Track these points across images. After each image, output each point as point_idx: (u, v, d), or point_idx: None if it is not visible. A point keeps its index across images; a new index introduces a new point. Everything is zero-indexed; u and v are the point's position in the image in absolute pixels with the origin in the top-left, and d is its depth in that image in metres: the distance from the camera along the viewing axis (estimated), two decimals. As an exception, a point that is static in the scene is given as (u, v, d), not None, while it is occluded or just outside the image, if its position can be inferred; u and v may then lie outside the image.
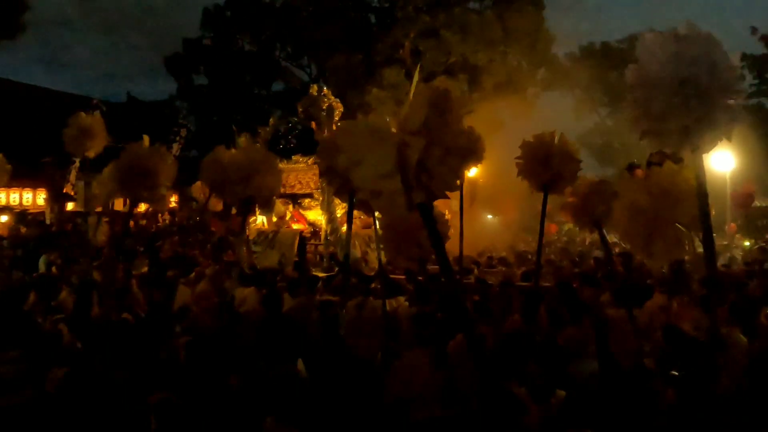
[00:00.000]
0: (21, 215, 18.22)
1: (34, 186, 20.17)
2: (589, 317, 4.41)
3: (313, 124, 12.51)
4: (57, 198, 19.62)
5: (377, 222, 4.48)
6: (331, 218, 11.60)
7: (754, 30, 32.00)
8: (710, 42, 2.15)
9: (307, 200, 12.48)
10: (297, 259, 11.26)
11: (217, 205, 11.74)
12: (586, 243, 16.28)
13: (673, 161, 2.95)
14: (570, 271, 8.01)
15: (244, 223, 4.59)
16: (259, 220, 12.58)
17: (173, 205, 18.55)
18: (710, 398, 2.54)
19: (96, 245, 8.02)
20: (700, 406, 2.67)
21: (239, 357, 3.65)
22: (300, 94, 20.13)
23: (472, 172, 10.77)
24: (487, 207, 21.67)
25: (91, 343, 3.87)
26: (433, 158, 1.59)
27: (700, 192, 2.31)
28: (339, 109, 12.77)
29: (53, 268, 8.50)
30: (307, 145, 12.71)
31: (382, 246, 4.30)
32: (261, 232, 11.93)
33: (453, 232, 4.59)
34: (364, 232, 10.26)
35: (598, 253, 10.65)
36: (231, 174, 4.18)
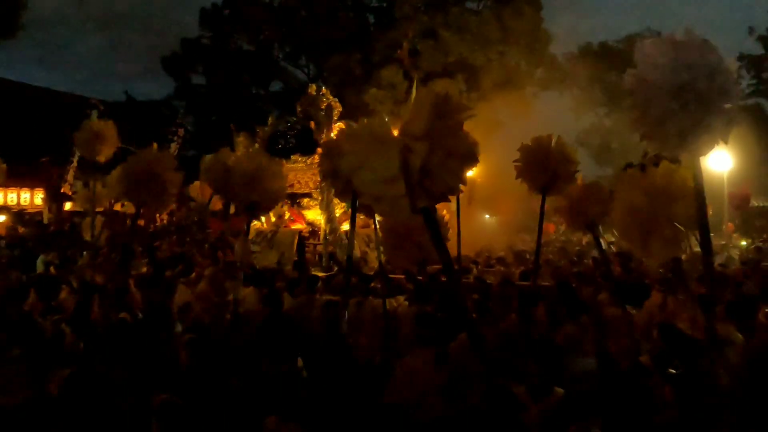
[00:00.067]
0: (19, 215, 18.21)
1: (31, 185, 20.13)
2: (587, 316, 4.43)
3: (312, 124, 12.51)
4: (55, 197, 19.60)
5: (377, 223, 4.51)
6: (330, 218, 11.60)
7: (751, 30, 32.14)
8: (707, 48, 2.21)
9: (306, 200, 12.47)
10: (296, 258, 11.27)
11: (215, 204, 11.75)
12: (584, 243, 16.31)
13: (668, 162, 2.99)
14: (568, 271, 8.04)
15: (248, 226, 4.65)
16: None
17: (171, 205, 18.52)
18: (707, 396, 2.57)
19: (98, 245, 8.01)
20: (697, 404, 2.70)
21: (240, 356, 3.66)
22: (298, 93, 20.11)
23: (470, 172, 10.78)
24: (485, 207, 21.72)
25: (93, 344, 3.89)
26: (436, 162, 1.61)
27: (698, 192, 2.35)
28: (338, 108, 12.77)
29: (51, 268, 8.48)
30: (306, 145, 12.69)
31: (382, 248, 4.34)
32: (260, 232, 11.93)
33: (452, 233, 4.63)
34: (364, 231, 10.26)
35: (596, 252, 10.67)
36: (237, 177, 4.24)
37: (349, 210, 11.14)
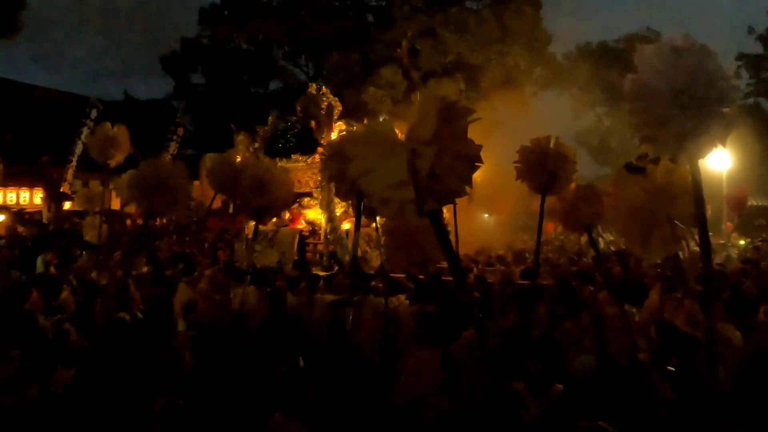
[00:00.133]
0: (18, 214, 18.19)
1: (31, 185, 20.10)
2: (586, 314, 4.45)
3: (313, 123, 12.51)
4: (54, 197, 19.61)
5: (377, 223, 4.55)
6: (330, 217, 11.60)
7: (751, 30, 32.18)
8: (705, 53, 2.26)
9: (306, 199, 12.47)
10: (297, 258, 11.27)
11: (215, 203, 11.74)
12: (582, 242, 16.33)
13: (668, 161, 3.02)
14: (568, 269, 8.06)
15: (256, 229, 4.73)
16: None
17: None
18: (704, 393, 2.59)
19: (98, 245, 8.02)
20: (695, 401, 2.72)
21: (243, 355, 3.68)
22: (297, 93, 20.10)
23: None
24: (483, 206, 21.73)
25: (97, 344, 3.90)
26: (444, 166, 1.64)
27: (696, 194, 2.38)
28: (338, 108, 12.77)
29: (51, 268, 8.48)
30: (306, 144, 12.69)
31: (384, 250, 4.36)
32: (260, 232, 11.93)
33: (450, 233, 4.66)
34: (364, 231, 10.26)
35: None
36: (246, 182, 4.32)
37: (350, 209, 11.14)
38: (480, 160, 1.78)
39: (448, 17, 26.93)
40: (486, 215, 25.58)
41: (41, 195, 20.04)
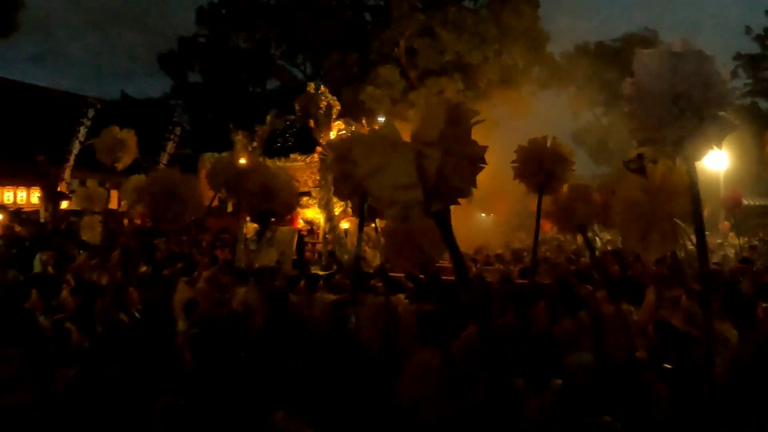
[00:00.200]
0: (15, 214, 18.16)
1: (28, 184, 20.07)
2: (585, 312, 4.47)
3: (311, 123, 12.52)
4: (52, 196, 19.58)
5: (376, 223, 4.59)
6: (329, 216, 11.63)
7: (748, 29, 32.29)
8: (703, 58, 2.32)
9: (305, 198, 12.48)
10: (296, 257, 11.29)
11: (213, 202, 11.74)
12: (579, 241, 16.35)
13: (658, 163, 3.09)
14: (566, 268, 8.08)
15: (262, 232, 4.78)
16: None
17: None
18: (702, 390, 2.61)
19: (96, 245, 8.02)
20: (692, 398, 2.74)
21: (244, 354, 3.68)
22: (295, 92, 20.09)
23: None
24: (481, 205, 21.76)
25: (98, 344, 3.91)
26: (449, 167, 1.68)
27: (693, 195, 2.44)
28: (336, 107, 12.79)
29: (49, 268, 8.48)
30: (305, 144, 12.72)
31: (384, 252, 4.39)
32: (259, 230, 11.95)
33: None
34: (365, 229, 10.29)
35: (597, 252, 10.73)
36: (253, 186, 4.40)
37: (348, 208, 11.15)
38: (484, 161, 1.81)
39: (446, 16, 26.94)
40: (483, 215, 25.62)
41: (39, 194, 20.01)
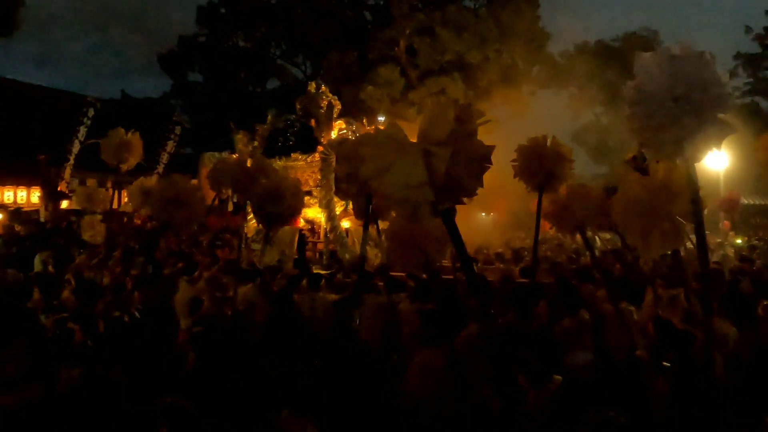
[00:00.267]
0: (15, 213, 18.15)
1: (28, 183, 20.04)
2: (585, 311, 4.49)
3: (312, 122, 12.52)
4: (52, 196, 19.56)
5: (377, 226, 4.63)
6: (330, 216, 11.62)
7: (748, 29, 32.28)
8: (702, 60, 2.38)
9: (306, 198, 12.49)
10: (297, 256, 11.29)
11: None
12: (579, 240, 16.34)
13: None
14: (567, 267, 8.07)
15: (268, 234, 4.83)
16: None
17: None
18: (701, 388, 2.62)
19: (96, 244, 8.02)
20: (691, 396, 2.75)
21: (247, 353, 3.69)
22: (295, 91, 20.07)
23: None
24: (480, 205, 21.78)
25: (101, 343, 3.91)
26: (458, 166, 1.70)
27: (693, 195, 2.46)
28: (337, 106, 12.78)
29: (49, 267, 8.47)
30: (305, 143, 12.72)
31: (386, 254, 4.43)
32: (260, 230, 11.97)
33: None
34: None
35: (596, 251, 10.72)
36: (262, 189, 4.50)
37: (349, 207, 11.14)
38: (490, 161, 1.84)
39: (446, 16, 26.94)
40: (483, 214, 25.63)
41: (39, 194, 19.99)
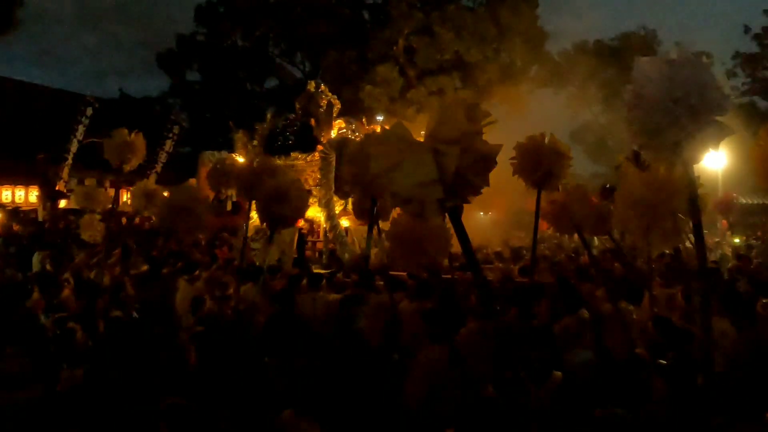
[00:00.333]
0: (14, 212, 18.11)
1: (26, 183, 20.02)
2: (586, 310, 4.50)
3: (312, 121, 12.51)
4: (50, 195, 19.53)
5: (378, 227, 4.67)
6: (330, 215, 11.61)
7: (747, 28, 32.32)
8: (699, 65, 2.43)
9: (305, 197, 12.49)
10: (296, 255, 11.28)
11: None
12: (578, 239, 16.36)
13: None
14: (566, 267, 8.08)
15: (272, 234, 4.85)
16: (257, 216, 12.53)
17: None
18: (699, 386, 2.64)
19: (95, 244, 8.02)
20: (689, 394, 2.77)
21: (248, 353, 3.69)
22: (293, 90, 20.03)
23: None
24: (479, 204, 21.79)
25: (102, 343, 3.92)
26: (467, 165, 1.71)
27: (691, 196, 2.49)
28: (337, 105, 12.78)
29: (47, 266, 8.46)
30: (305, 142, 12.69)
31: (389, 255, 4.45)
32: (259, 230, 11.97)
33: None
34: (365, 228, 10.30)
35: (594, 249, 10.74)
36: (268, 191, 4.55)
37: (348, 207, 11.13)
38: (495, 160, 1.86)
39: (445, 15, 26.93)
40: (482, 213, 25.64)
41: (37, 193, 19.97)
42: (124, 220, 15.72)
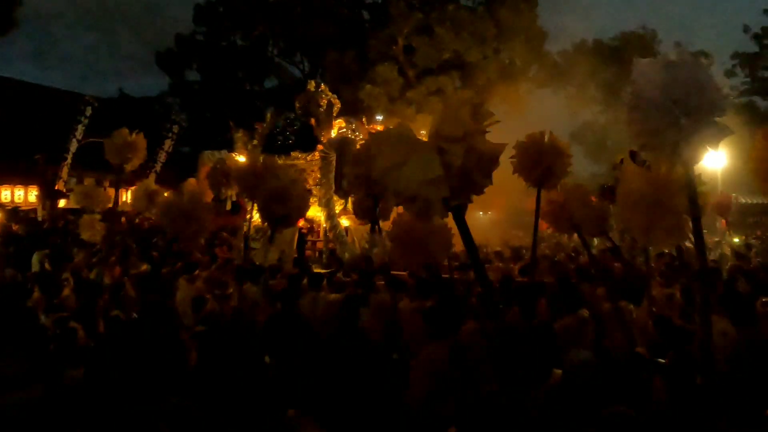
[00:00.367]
0: (13, 212, 18.10)
1: (25, 182, 20.01)
2: (586, 310, 4.50)
3: (312, 121, 12.51)
4: (49, 195, 19.53)
5: (379, 227, 4.68)
6: (330, 214, 11.62)
7: (746, 28, 32.34)
8: (698, 66, 2.46)
9: (305, 197, 12.49)
10: (296, 255, 11.28)
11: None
12: (577, 238, 16.37)
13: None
14: (566, 266, 8.09)
15: (273, 233, 4.88)
16: (257, 216, 12.55)
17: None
18: (698, 386, 2.64)
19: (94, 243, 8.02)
20: (689, 393, 2.77)
21: (250, 353, 3.69)
22: (293, 90, 20.01)
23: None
24: (478, 203, 21.82)
25: (103, 343, 3.92)
26: (472, 163, 1.72)
27: (691, 197, 2.50)
28: (337, 105, 12.78)
29: (46, 266, 8.46)
30: (305, 142, 12.68)
31: (391, 253, 4.45)
32: (259, 229, 11.98)
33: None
34: (365, 228, 10.30)
35: (594, 249, 10.75)
36: (270, 191, 4.57)
37: (349, 206, 11.14)
38: (498, 160, 1.87)
39: (444, 14, 26.93)
40: (481, 213, 25.66)
41: (36, 192, 19.96)
42: (123, 220, 15.73)
